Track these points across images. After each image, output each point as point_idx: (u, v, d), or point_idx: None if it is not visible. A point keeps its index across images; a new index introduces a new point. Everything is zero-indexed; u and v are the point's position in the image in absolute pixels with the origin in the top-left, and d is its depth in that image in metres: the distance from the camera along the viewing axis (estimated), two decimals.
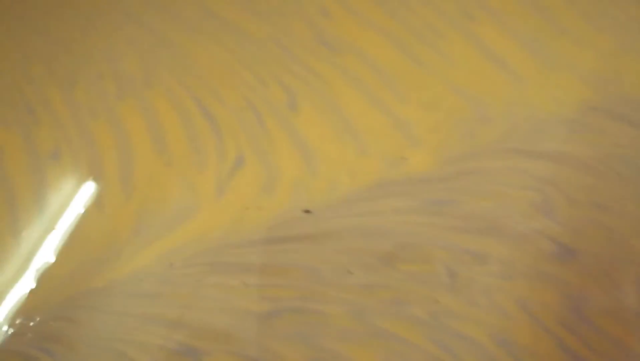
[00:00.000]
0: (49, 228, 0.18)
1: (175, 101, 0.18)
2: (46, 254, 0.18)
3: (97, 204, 0.18)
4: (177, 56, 0.19)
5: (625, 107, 0.18)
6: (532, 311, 0.16)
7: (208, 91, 0.19)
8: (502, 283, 0.17)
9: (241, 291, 0.17)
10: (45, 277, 0.17)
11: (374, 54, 0.19)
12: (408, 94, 0.18)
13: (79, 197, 0.18)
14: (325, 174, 0.18)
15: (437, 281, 0.16)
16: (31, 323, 0.17)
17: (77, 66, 0.19)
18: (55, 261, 0.18)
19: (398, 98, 0.18)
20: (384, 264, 0.17)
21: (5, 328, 0.17)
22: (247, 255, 0.17)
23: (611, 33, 0.18)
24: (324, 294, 0.17)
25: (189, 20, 0.20)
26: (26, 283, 0.17)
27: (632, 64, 0.18)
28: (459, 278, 0.16)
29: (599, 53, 0.18)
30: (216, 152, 0.18)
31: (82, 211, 0.18)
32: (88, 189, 0.18)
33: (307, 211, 0.17)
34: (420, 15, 0.19)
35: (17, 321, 0.17)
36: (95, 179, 0.18)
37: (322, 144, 0.18)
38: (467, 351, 0.16)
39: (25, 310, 0.17)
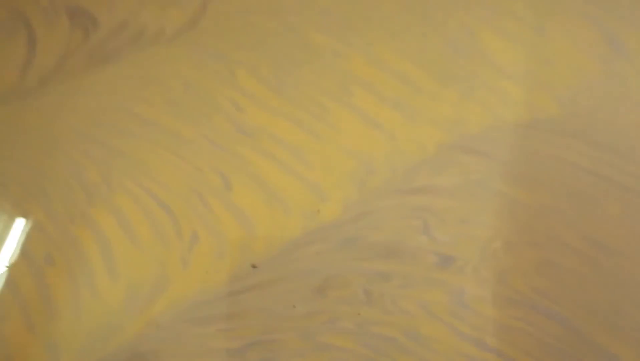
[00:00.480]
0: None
1: (135, 198, 0.23)
2: None
3: (92, 289, 0.22)
4: (129, 163, 0.24)
5: (472, 142, 0.24)
6: (429, 308, 0.22)
7: (160, 186, 0.23)
8: (405, 292, 0.22)
9: (216, 336, 0.22)
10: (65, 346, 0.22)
11: (281, 134, 0.24)
12: (313, 162, 0.24)
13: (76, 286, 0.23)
14: (262, 234, 0.23)
15: (357, 300, 0.22)
16: None
17: (48, 182, 0.24)
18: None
19: (306, 166, 0.24)
20: (318, 295, 0.22)
21: None
22: (215, 308, 0.22)
23: (455, 88, 0.24)
24: (278, 326, 0.22)
25: (129, 130, 0.24)
26: None
27: (473, 109, 0.24)
28: (372, 294, 0.22)
29: (447, 104, 0.24)
30: (175, 233, 0.23)
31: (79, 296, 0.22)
32: (81, 278, 0.23)
33: (254, 266, 0.23)
34: (310, 95, 0.24)
35: None
36: (85, 270, 0.22)
37: (255, 211, 0.23)
38: (386, 347, 0.22)
39: None
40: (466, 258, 0.22)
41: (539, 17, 0.26)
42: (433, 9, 0.26)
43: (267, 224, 0.23)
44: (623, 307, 0.22)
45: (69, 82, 0.24)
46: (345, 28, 0.25)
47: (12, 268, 0.23)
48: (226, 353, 0.21)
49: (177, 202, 0.23)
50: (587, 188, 0.24)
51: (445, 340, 0.22)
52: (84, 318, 0.22)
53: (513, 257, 0.22)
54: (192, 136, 0.24)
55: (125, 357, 0.21)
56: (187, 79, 0.24)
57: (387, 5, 0.26)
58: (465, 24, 0.26)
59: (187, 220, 0.23)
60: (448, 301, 0.22)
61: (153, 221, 0.23)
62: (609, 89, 0.24)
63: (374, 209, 0.23)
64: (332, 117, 0.24)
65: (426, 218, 0.23)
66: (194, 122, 0.24)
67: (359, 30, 0.25)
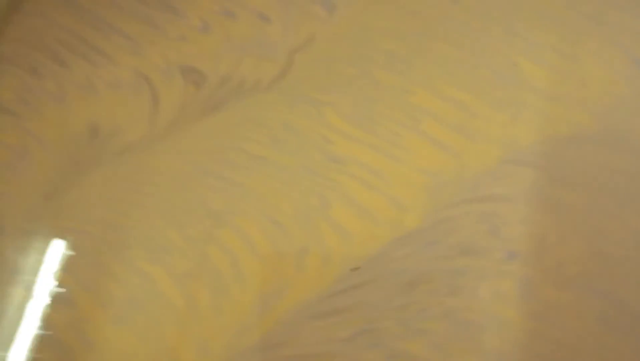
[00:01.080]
0: None
1: (253, 220, 0.28)
2: None
3: (227, 296, 0.28)
4: (245, 191, 0.29)
5: (523, 155, 0.29)
6: (501, 295, 0.27)
7: (273, 209, 0.29)
8: (480, 283, 0.27)
9: (330, 327, 0.27)
10: None
11: (365, 159, 0.29)
12: (393, 180, 0.29)
13: None
14: (359, 242, 0.28)
15: (442, 292, 0.27)
16: None
17: (181, 212, 0.29)
18: None
19: (388, 184, 0.29)
20: (409, 289, 0.27)
21: None
22: (327, 305, 0.27)
23: (505, 111, 0.30)
24: (379, 316, 0.27)
25: (242, 165, 0.30)
26: None
27: (521, 127, 0.29)
28: (454, 286, 0.27)
29: (499, 125, 0.29)
30: (289, 246, 0.28)
31: None
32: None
33: (353, 269, 0.28)
34: (386, 126, 0.30)
35: None
36: (219, 281, 0.28)
37: (351, 224, 0.28)
38: (468, 328, 0.27)
39: None
40: (528, 251, 0.27)
41: (571, 46, 0.31)
42: (481, 45, 0.31)
43: (361, 234, 0.28)
44: None
45: (189, 129, 0.30)
46: (409, 67, 0.30)
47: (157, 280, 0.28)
48: (340, 341, 0.26)
49: (288, 221, 0.28)
50: (622, 187, 0.28)
51: (514, 321, 0.26)
52: (225, 319, 0.27)
53: (566, 248, 0.27)
54: (293, 166, 0.29)
55: (260, 348, 0.26)
56: (284, 120, 0.30)
57: (440, 44, 0.31)
58: (509, 56, 0.31)
59: (297, 235, 0.28)
60: (516, 287, 0.27)
61: (270, 238, 0.28)
62: (637, 104, 0.29)
63: (448, 216, 0.28)
64: (405, 142, 0.29)
65: (492, 221, 0.28)
66: (294, 155, 0.29)
67: (421, 68, 0.30)
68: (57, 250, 0.29)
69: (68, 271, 0.28)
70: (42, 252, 0.29)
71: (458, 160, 0.29)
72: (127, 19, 0.32)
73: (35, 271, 0.28)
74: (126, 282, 0.28)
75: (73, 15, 0.33)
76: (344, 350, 0.26)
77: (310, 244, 0.28)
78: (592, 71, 0.30)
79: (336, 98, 0.30)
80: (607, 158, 0.29)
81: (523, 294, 0.27)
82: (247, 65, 0.31)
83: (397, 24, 0.31)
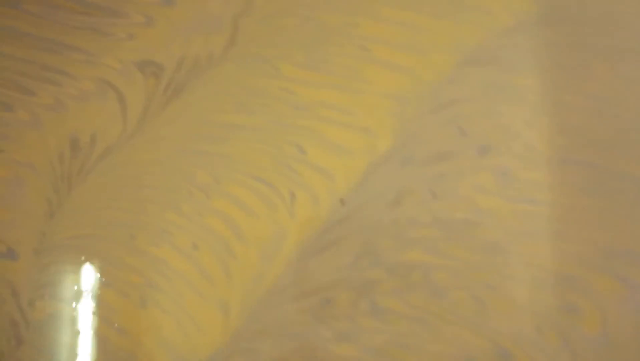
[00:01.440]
0: None
1: (240, 183, 0.30)
2: None
3: (233, 256, 0.30)
4: (225, 159, 0.31)
5: (478, 54, 0.30)
6: (481, 188, 0.29)
7: (255, 168, 0.30)
8: (460, 182, 0.29)
9: (331, 258, 0.29)
10: None
11: (327, 99, 0.31)
12: (358, 112, 0.30)
13: None
14: (340, 178, 0.30)
15: (426, 199, 0.29)
16: None
17: (172, 191, 0.31)
18: None
19: (354, 116, 0.30)
20: (395, 204, 0.29)
21: None
22: (323, 238, 0.29)
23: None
24: (375, 230, 0.29)
25: (216, 135, 0.31)
26: None
27: (467, 19, 0.30)
28: (436, 191, 0.29)
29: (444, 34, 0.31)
30: (279, 198, 0.30)
31: None
32: None
33: (342, 201, 0.29)
34: (339, 63, 0.31)
35: None
36: (224, 247, 0.30)
37: (329, 163, 0.30)
38: (458, 225, 0.28)
39: None
40: (497, 142, 0.29)
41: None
42: None
43: (341, 169, 0.30)
44: None
45: (160, 118, 0.32)
46: (346, 1, 0.32)
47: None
48: (344, 268, 0.28)
49: (271, 176, 0.30)
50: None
51: (499, 208, 0.28)
52: (237, 279, 0.29)
53: (533, 131, 0.29)
54: (264, 124, 0.30)
55: (274, 292, 0.28)
56: (244, 84, 0.31)
57: None
58: None
59: (283, 186, 0.30)
60: (494, 178, 0.28)
61: (259, 195, 0.30)
62: None
63: (417, 130, 0.29)
64: (361, 74, 0.30)
65: (458, 123, 0.29)
66: (261, 114, 0.31)
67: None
68: (74, 259, 0.31)
69: (91, 275, 0.31)
70: (62, 264, 0.31)
71: (414, 76, 0.30)
72: (75, 33, 0.34)
73: (65, 283, 0.31)
74: (142, 270, 0.30)
75: (25, 45, 0.34)
76: (350, 275, 0.28)
77: (297, 191, 0.29)
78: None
79: (286, 50, 0.31)
80: (553, 39, 0.30)
81: (501, 182, 0.28)
82: (196, 44, 0.32)
83: None
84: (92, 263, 0.31)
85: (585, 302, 0.27)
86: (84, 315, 0.30)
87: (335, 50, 0.31)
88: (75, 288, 0.31)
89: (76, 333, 0.31)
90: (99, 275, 0.30)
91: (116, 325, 0.30)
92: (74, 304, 0.31)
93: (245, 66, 0.31)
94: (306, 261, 0.28)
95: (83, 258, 0.31)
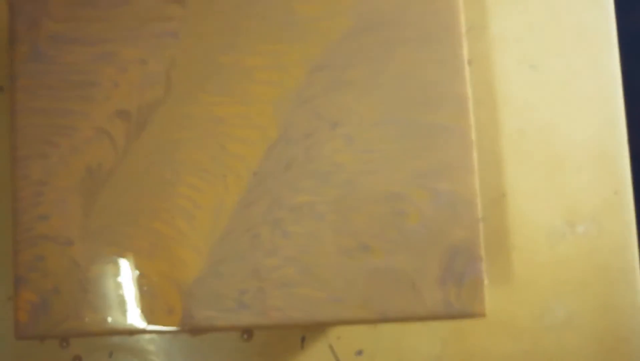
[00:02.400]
0: None
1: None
2: None
3: None
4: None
5: None
6: None
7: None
8: None
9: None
10: None
11: None
12: None
13: None
14: None
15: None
16: None
17: None
18: None
19: None
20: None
21: None
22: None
23: None
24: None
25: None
26: None
27: None
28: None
29: None
30: None
31: None
32: None
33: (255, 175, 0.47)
34: None
35: None
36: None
37: None
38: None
39: None
40: (344, 121, 0.46)
41: None
42: None
43: (251, 154, 0.47)
44: None
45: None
46: None
47: None
48: (262, 211, 0.46)
49: (210, 167, 0.47)
50: None
51: (349, 159, 0.45)
52: (199, 228, 0.47)
53: (370, 114, 0.45)
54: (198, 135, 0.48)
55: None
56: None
57: None
58: None
59: (218, 172, 0.47)
60: (343, 142, 0.45)
61: (205, 181, 0.47)
62: None
63: (291, 121, 0.46)
64: (247, 92, 0.47)
65: (317, 111, 0.46)
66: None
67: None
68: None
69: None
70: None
71: (282, 87, 0.47)
72: None
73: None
74: (183, 263, 0.48)
75: None
76: (265, 217, 0.46)
77: (226, 173, 0.47)
78: None
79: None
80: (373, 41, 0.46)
81: (348, 144, 0.45)
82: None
83: None
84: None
85: (409, 207, 0.45)
86: None
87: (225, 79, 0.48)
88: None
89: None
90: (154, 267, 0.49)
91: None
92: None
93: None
94: (238, 212, 0.46)
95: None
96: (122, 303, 0.46)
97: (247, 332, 0.55)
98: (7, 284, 0.57)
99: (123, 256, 0.46)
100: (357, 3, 0.45)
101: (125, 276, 0.46)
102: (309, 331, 0.54)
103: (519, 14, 0.55)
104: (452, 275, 0.43)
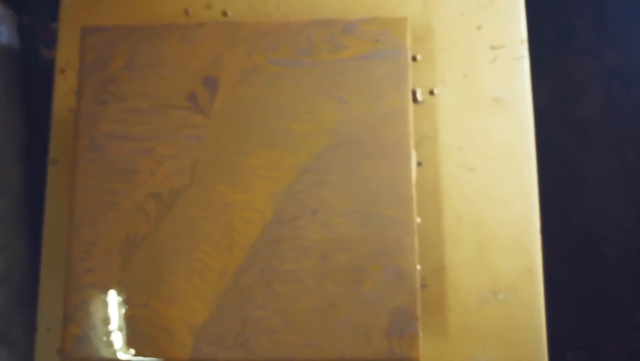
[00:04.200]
0: None
1: None
2: None
3: None
4: None
5: None
6: None
7: None
8: None
9: None
10: None
11: None
12: None
13: None
14: None
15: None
16: None
17: None
18: None
19: None
20: None
21: None
22: None
23: None
24: None
25: None
26: None
27: None
28: None
29: None
30: None
31: None
32: None
33: None
34: None
35: None
36: None
37: None
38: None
39: None
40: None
41: None
42: None
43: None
44: None
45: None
46: None
47: None
48: None
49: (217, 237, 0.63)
50: None
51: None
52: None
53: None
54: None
55: None
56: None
57: None
58: None
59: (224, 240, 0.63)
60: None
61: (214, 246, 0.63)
62: None
63: (282, 207, 0.62)
64: (251, 184, 0.64)
65: (299, 198, 0.62)
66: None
67: None
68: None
69: None
70: None
71: (274, 180, 0.63)
72: None
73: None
74: (194, 311, 0.63)
75: None
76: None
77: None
78: None
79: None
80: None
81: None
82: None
83: None
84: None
85: (366, 277, 0.60)
86: None
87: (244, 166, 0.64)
88: None
89: None
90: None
91: None
92: None
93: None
94: (238, 274, 0.61)
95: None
96: (146, 338, 0.60)
97: None
98: (47, 318, 0.71)
99: (148, 304, 0.61)
100: (334, 125, 0.62)
101: (150, 318, 0.60)
102: None
103: (461, 129, 0.72)
104: (395, 329, 0.59)
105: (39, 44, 1.02)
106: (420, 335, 0.57)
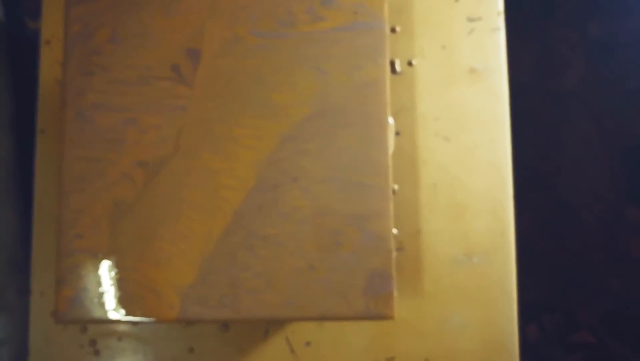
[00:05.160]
0: None
1: None
2: None
3: None
4: None
5: None
6: None
7: None
8: None
9: None
10: None
11: None
12: None
13: None
14: None
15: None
16: None
17: None
18: None
19: None
20: None
21: None
22: None
23: None
24: None
25: None
26: None
27: None
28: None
29: None
30: None
31: None
32: None
33: None
34: None
35: None
36: None
37: None
38: None
39: None
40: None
41: None
42: None
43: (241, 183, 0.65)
44: None
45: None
46: None
47: None
48: None
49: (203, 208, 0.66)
50: None
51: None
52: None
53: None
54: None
55: None
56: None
57: None
58: None
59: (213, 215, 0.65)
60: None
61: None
62: None
63: (262, 173, 0.65)
64: (235, 158, 0.66)
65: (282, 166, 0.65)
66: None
67: None
68: None
69: None
70: None
71: (255, 150, 0.65)
72: None
73: None
74: (181, 273, 0.66)
75: None
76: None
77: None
78: None
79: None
80: None
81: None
82: None
83: None
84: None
85: (344, 240, 0.63)
86: None
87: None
88: None
89: None
90: None
91: None
92: None
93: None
94: (223, 238, 0.64)
95: None
96: (135, 300, 0.63)
97: (225, 325, 0.73)
98: (40, 283, 0.74)
99: (137, 267, 0.64)
100: (314, 95, 0.64)
101: (139, 281, 0.63)
102: (271, 326, 0.72)
103: (438, 99, 0.75)
104: (371, 289, 0.62)
105: (24, 15, 1.02)
106: (396, 294, 0.61)
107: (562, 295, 1.28)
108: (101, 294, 0.63)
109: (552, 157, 1.31)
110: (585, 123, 1.30)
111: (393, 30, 0.72)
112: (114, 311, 0.62)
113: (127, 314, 0.63)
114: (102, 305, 0.63)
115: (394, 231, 0.63)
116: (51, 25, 0.73)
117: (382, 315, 0.61)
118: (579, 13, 1.35)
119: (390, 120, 0.65)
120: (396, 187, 0.69)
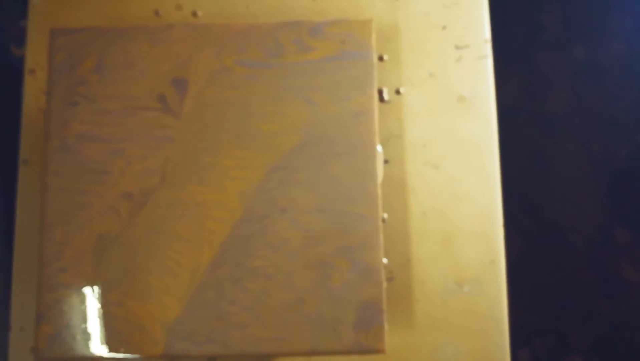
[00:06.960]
0: None
1: None
2: None
3: None
4: None
5: None
6: None
7: None
8: None
9: None
10: None
11: None
12: None
13: None
14: None
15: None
16: None
17: None
18: None
19: None
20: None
21: None
22: None
23: None
24: None
25: None
26: None
27: None
28: None
29: None
30: None
31: None
32: None
33: None
34: None
35: None
36: None
37: None
38: None
39: None
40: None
41: None
42: None
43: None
44: None
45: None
46: None
47: None
48: None
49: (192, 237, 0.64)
50: None
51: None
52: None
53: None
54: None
55: None
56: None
57: None
58: None
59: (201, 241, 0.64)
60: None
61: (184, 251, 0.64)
62: None
63: (253, 199, 0.64)
64: (223, 186, 0.65)
65: (272, 195, 0.64)
66: None
67: None
68: None
69: None
70: None
71: (245, 180, 0.65)
72: None
73: None
74: (167, 308, 0.64)
75: None
76: None
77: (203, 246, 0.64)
78: None
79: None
80: None
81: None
82: None
83: None
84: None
85: (334, 272, 0.62)
86: None
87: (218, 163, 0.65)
88: None
89: None
90: None
91: None
92: None
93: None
94: (209, 271, 0.63)
95: None
96: (119, 336, 0.62)
97: (212, 360, 0.71)
98: (20, 318, 0.72)
99: (122, 302, 0.62)
100: (302, 125, 0.64)
101: (123, 316, 0.62)
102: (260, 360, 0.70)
103: (426, 127, 0.75)
104: (362, 323, 0.61)
105: (9, 42, 1.01)
106: (386, 327, 0.60)
107: (553, 318, 1.27)
108: (84, 330, 0.61)
109: (540, 180, 1.31)
110: (572, 145, 1.31)
111: (381, 58, 0.72)
112: (97, 348, 0.61)
113: (111, 350, 0.61)
114: (84, 341, 0.61)
115: (384, 260, 0.63)
116: (36, 54, 0.72)
117: (372, 349, 0.60)
118: (564, 37, 1.36)
119: (379, 148, 0.64)
120: (385, 215, 0.68)
